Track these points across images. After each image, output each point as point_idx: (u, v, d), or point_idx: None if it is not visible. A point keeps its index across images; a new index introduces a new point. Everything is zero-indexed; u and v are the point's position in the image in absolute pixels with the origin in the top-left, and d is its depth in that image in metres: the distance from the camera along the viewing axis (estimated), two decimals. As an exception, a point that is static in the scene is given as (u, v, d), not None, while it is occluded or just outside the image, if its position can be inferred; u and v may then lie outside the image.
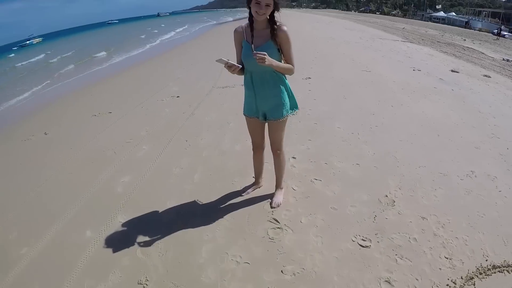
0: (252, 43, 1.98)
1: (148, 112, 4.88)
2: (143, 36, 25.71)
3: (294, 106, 2.21)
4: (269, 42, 1.96)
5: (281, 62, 2.01)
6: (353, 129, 3.64)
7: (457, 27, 35.90)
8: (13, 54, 32.98)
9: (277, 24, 1.97)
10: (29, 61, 20.06)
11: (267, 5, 1.86)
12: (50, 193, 2.97)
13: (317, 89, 5.40)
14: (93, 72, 11.34)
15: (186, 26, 35.52)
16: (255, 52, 1.83)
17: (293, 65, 2.03)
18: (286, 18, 29.68)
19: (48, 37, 77.11)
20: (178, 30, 29.85)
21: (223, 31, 22.69)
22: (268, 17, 1.94)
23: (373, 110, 4.27)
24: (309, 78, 6.09)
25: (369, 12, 79.01)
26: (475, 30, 34.19)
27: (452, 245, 2.00)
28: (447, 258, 1.90)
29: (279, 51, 1.99)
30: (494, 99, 5.45)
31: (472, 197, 2.48)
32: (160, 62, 10.66)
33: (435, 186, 2.61)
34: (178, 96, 5.50)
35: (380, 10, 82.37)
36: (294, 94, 2.20)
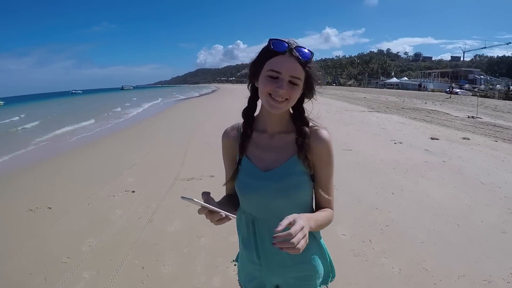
0: (247, 156, 1.11)
1: (94, 213, 4.04)
2: (119, 109, 24.87)
3: (328, 274, 1.22)
4: (294, 160, 1.05)
5: (312, 205, 1.13)
6: (362, 235, 3.15)
7: (411, 91, 40.23)
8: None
9: (310, 125, 1.09)
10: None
11: (293, 83, 0.97)
12: None
13: (302, 179, 5.04)
14: (55, 144, 10.09)
15: (159, 100, 35.96)
16: (276, 236, 0.76)
17: (332, 207, 1.10)
18: (237, 95, 31.14)
19: (10, 100, 78.28)
20: (149, 104, 29.66)
21: (189, 105, 25.12)
22: (291, 109, 1.11)
23: (375, 202, 3.91)
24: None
25: (326, 84, 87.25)
26: (428, 91, 38.47)
27: None
28: None
29: (311, 178, 1.07)
30: (487, 165, 5.56)
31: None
32: (117, 141, 9.85)
33: (487, 305, 2.14)
34: (133, 191, 4.69)
35: (336, 81, 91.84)
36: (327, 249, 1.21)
